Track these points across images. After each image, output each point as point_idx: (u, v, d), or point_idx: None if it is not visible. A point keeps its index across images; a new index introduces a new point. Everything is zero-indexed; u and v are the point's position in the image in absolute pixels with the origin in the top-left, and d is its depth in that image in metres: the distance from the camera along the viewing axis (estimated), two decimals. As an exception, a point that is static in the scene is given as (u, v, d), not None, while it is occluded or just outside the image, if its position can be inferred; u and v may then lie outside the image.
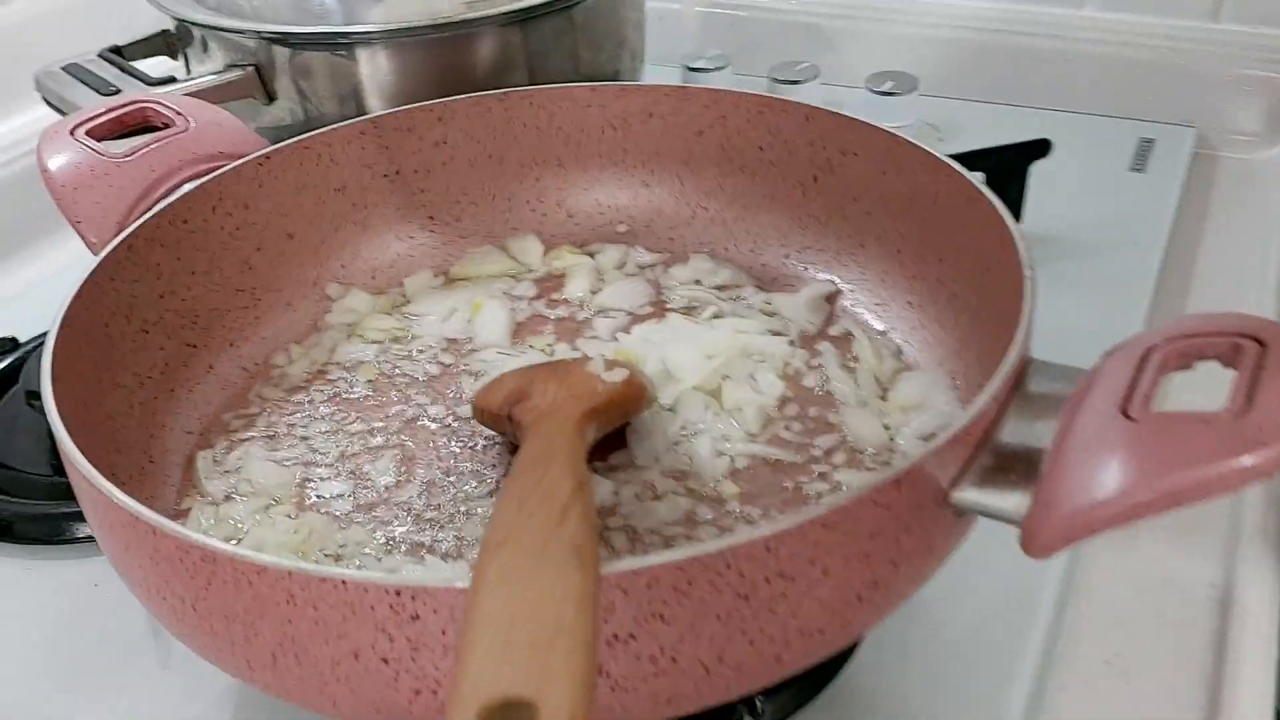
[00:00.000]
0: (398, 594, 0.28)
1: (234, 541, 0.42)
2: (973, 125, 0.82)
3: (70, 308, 0.41)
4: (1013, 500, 0.32)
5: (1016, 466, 0.33)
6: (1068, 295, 0.54)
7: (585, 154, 0.59)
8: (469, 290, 0.56)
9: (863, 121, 0.51)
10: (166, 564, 0.31)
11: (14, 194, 0.74)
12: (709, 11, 0.97)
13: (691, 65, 0.86)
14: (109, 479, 0.33)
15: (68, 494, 0.36)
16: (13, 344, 0.57)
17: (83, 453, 0.34)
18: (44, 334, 0.60)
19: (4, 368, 0.59)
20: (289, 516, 0.43)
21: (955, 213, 0.46)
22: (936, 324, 0.49)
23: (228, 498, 0.45)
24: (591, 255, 0.58)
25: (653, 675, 0.30)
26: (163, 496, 0.44)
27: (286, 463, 0.46)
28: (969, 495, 0.32)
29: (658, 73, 0.85)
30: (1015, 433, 0.34)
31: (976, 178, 0.45)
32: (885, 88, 0.81)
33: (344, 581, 0.29)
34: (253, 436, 0.48)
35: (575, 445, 0.36)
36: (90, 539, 0.49)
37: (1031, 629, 0.43)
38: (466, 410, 0.48)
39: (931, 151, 0.47)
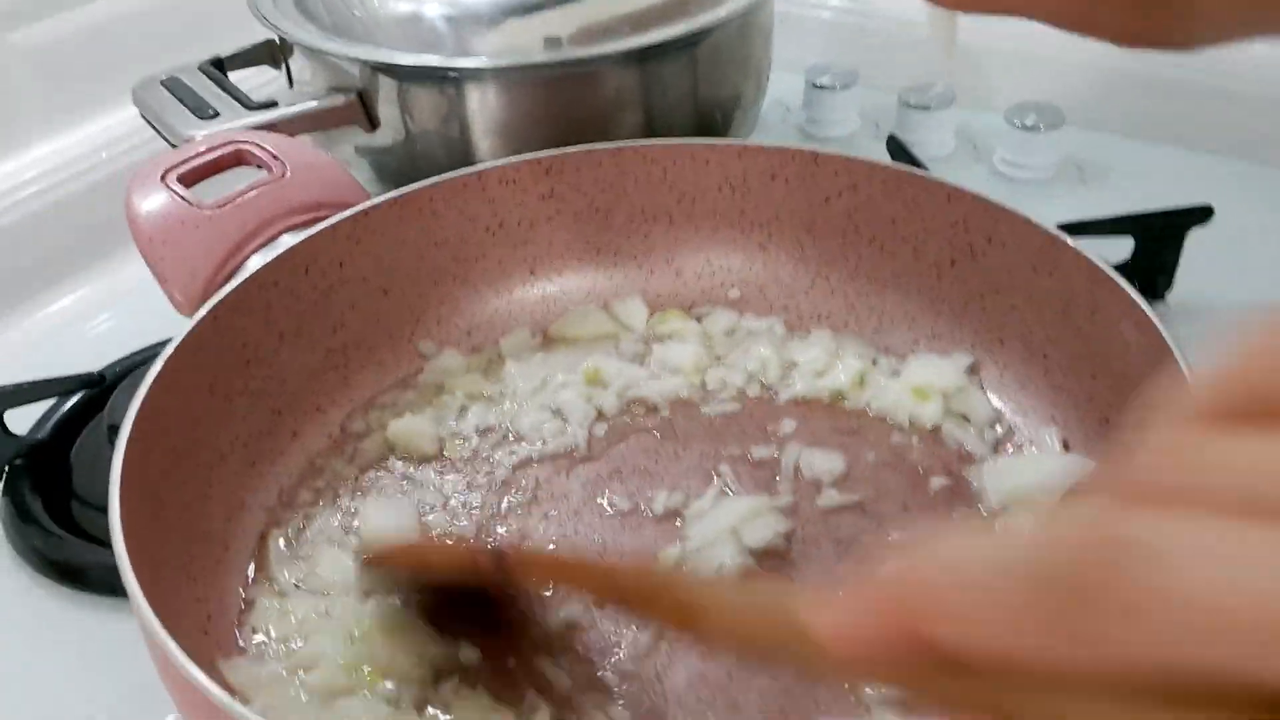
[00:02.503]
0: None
1: (292, 645, 0.40)
2: (1122, 166, 0.76)
3: (148, 393, 0.39)
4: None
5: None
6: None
7: (699, 212, 0.54)
8: (567, 354, 0.53)
9: (1013, 211, 0.46)
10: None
11: (99, 201, 0.72)
12: (836, 20, 0.91)
13: (817, 82, 0.81)
14: (174, 580, 0.31)
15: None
16: (98, 379, 0.56)
17: (146, 584, 0.32)
18: (129, 357, 0.61)
19: (88, 399, 0.58)
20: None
21: (1115, 330, 0.41)
22: (1082, 448, 0.44)
23: (297, 586, 0.42)
24: (699, 320, 0.54)
25: None
26: (233, 589, 0.42)
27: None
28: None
29: (780, 81, 0.80)
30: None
31: (1142, 302, 0.40)
32: (1028, 122, 0.75)
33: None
34: (326, 514, 0.45)
35: None
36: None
37: None
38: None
39: (1096, 262, 0.42)
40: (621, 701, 0.37)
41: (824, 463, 0.46)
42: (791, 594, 0.21)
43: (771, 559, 0.42)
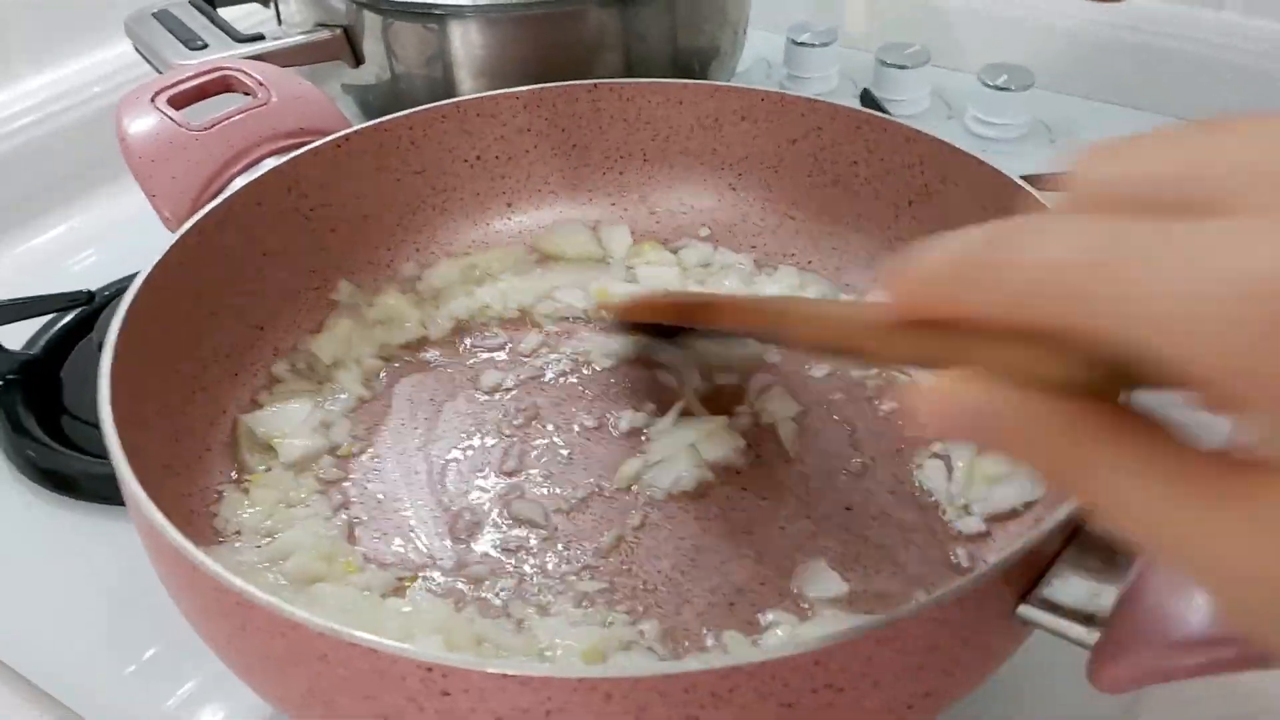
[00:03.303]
0: (429, 670, 0.28)
1: (260, 537, 0.42)
2: (1089, 128, 0.78)
3: (136, 297, 0.41)
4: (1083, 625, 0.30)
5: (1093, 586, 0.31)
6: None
7: (672, 150, 0.56)
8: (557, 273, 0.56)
9: (967, 153, 0.48)
10: (205, 599, 0.31)
11: (89, 134, 0.74)
12: (818, -24, 0.93)
13: (797, 39, 0.82)
14: (157, 474, 0.33)
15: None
16: (88, 297, 0.58)
17: (132, 458, 0.34)
18: (119, 282, 0.62)
19: (79, 319, 0.60)
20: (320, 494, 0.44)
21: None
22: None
23: (268, 470, 0.45)
24: (675, 252, 0.56)
25: (684, 771, 0.29)
26: (212, 486, 0.44)
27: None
28: (1036, 613, 0.30)
29: (760, 41, 0.82)
30: (1099, 545, 0.32)
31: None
32: (999, 81, 0.77)
33: (375, 650, 0.28)
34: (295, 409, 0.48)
35: None
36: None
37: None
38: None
39: (1040, 199, 0.44)
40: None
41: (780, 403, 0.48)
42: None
43: (729, 474, 0.45)
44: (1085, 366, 0.21)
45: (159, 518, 0.32)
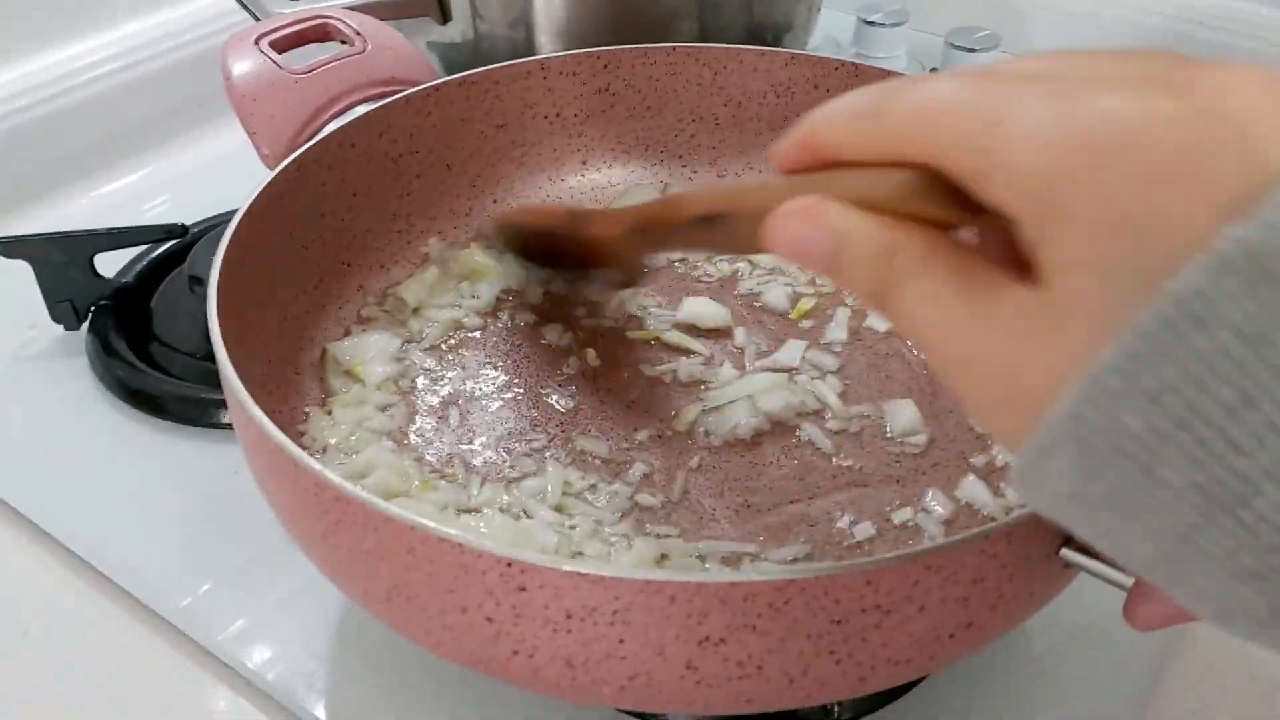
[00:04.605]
0: (509, 565, 0.30)
1: (343, 455, 0.45)
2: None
3: (239, 225, 0.44)
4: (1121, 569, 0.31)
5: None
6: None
7: (744, 116, 0.58)
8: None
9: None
10: (302, 496, 0.34)
11: (191, 74, 0.77)
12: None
13: (867, 19, 0.84)
14: (256, 389, 0.35)
15: (219, 380, 0.38)
16: (182, 230, 0.61)
17: (236, 368, 0.37)
18: (210, 220, 0.65)
19: (171, 251, 0.63)
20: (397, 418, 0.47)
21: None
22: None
23: (350, 393, 0.47)
24: None
25: (738, 678, 0.31)
26: (300, 408, 0.47)
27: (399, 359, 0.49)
28: (1079, 556, 0.32)
29: (831, 20, 0.83)
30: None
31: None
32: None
33: (461, 545, 0.30)
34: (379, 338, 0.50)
35: None
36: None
37: (1127, 656, 0.43)
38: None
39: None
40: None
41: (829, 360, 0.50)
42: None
43: (781, 427, 0.47)
44: (926, 192, 0.25)
45: (262, 417, 0.34)
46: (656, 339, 0.51)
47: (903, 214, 0.25)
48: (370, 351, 0.48)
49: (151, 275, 0.62)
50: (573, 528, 0.42)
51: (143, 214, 0.72)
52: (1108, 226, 0.21)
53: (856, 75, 0.55)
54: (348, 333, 0.50)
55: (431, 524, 0.31)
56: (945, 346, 0.24)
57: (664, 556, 0.41)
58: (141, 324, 0.60)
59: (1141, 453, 0.20)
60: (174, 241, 0.62)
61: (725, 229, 0.31)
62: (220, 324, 0.39)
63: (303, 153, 0.48)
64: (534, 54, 0.64)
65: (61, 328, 0.59)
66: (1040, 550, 0.32)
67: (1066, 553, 0.32)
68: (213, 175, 0.74)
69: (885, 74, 0.54)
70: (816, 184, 0.27)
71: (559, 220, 0.44)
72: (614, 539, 0.42)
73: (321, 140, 0.49)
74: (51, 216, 0.71)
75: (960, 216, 0.25)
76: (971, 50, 0.80)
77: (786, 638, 0.30)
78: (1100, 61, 0.23)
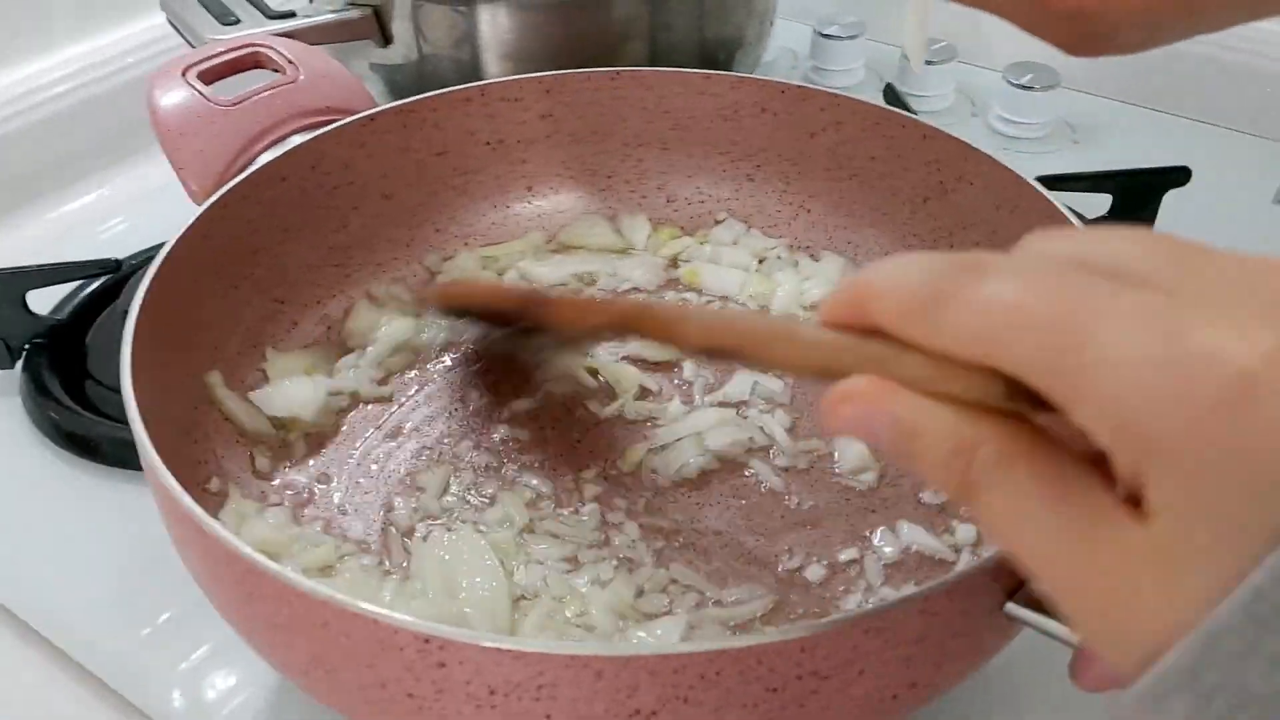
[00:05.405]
0: (426, 640, 0.29)
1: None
2: (1112, 129, 0.78)
3: (160, 268, 0.42)
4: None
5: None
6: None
7: (691, 140, 0.57)
8: (580, 260, 0.56)
9: (983, 153, 0.48)
10: (215, 565, 0.32)
11: (122, 104, 0.75)
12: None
13: (824, 31, 0.82)
14: (177, 439, 0.34)
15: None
16: (116, 265, 0.59)
17: (150, 429, 0.35)
18: (145, 252, 0.63)
19: (106, 287, 0.61)
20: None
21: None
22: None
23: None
24: (700, 242, 0.57)
25: (671, 750, 0.30)
26: (231, 453, 0.45)
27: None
28: (1023, 611, 0.31)
29: (787, 31, 0.82)
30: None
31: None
32: (1024, 80, 0.77)
33: (376, 620, 0.29)
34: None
35: None
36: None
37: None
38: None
39: (1053, 202, 0.44)
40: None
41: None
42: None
43: (729, 465, 0.46)
44: (1004, 394, 0.22)
45: (172, 482, 0.33)
46: (596, 372, 0.50)
47: (970, 400, 0.23)
48: (295, 399, 0.46)
49: (86, 311, 0.60)
50: (516, 572, 0.40)
51: (86, 241, 0.70)
52: (1218, 479, 0.19)
53: (803, 99, 0.53)
54: (276, 376, 0.48)
55: (345, 599, 0.29)
56: (1044, 568, 0.22)
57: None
58: (76, 362, 0.58)
59: (1265, 714, 0.19)
60: (108, 276, 0.60)
61: (732, 357, 0.29)
62: (136, 374, 0.37)
63: (229, 190, 0.46)
64: (480, 74, 0.62)
65: (-7, 367, 0.57)
66: (984, 605, 0.31)
67: (1011, 607, 0.31)
68: (157, 202, 0.71)
69: (830, 96, 0.53)
70: (870, 357, 0.24)
71: (514, 304, 0.41)
72: (560, 581, 0.40)
73: (249, 176, 0.48)
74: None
75: (1038, 413, 0.22)
76: (928, 62, 0.79)
77: (721, 707, 0.29)
78: (1159, 257, 0.22)
